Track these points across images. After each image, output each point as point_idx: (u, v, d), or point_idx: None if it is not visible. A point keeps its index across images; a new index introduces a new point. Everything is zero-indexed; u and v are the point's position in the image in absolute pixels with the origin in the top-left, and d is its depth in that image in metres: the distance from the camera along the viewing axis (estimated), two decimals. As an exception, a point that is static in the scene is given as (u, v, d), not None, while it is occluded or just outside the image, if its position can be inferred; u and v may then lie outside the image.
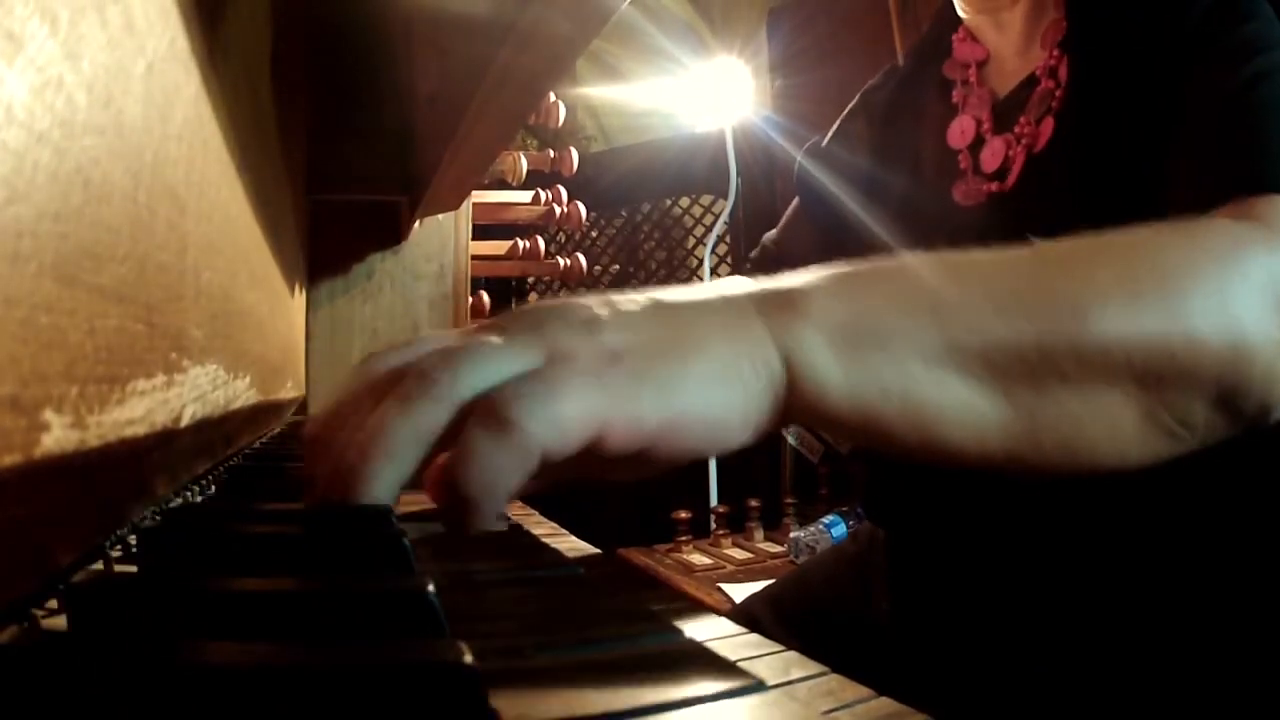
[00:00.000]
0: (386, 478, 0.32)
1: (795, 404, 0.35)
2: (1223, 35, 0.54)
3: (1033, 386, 0.35)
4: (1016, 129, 0.67)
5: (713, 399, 0.34)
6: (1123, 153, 0.57)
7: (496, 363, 0.33)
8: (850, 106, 0.87)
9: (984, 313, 0.35)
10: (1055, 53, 0.66)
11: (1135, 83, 0.58)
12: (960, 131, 0.72)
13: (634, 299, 0.37)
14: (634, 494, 2.22)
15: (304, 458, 0.39)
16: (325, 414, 0.38)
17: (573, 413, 0.31)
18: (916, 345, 0.35)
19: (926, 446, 0.36)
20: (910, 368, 0.35)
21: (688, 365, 0.34)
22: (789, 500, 1.91)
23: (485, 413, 0.31)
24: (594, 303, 0.36)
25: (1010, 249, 0.39)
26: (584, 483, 0.40)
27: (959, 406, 0.35)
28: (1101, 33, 0.62)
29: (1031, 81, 0.68)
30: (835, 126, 0.87)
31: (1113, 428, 0.36)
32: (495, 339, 0.34)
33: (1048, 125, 0.65)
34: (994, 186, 0.67)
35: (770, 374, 0.35)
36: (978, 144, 0.70)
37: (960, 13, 0.74)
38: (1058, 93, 0.65)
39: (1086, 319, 0.35)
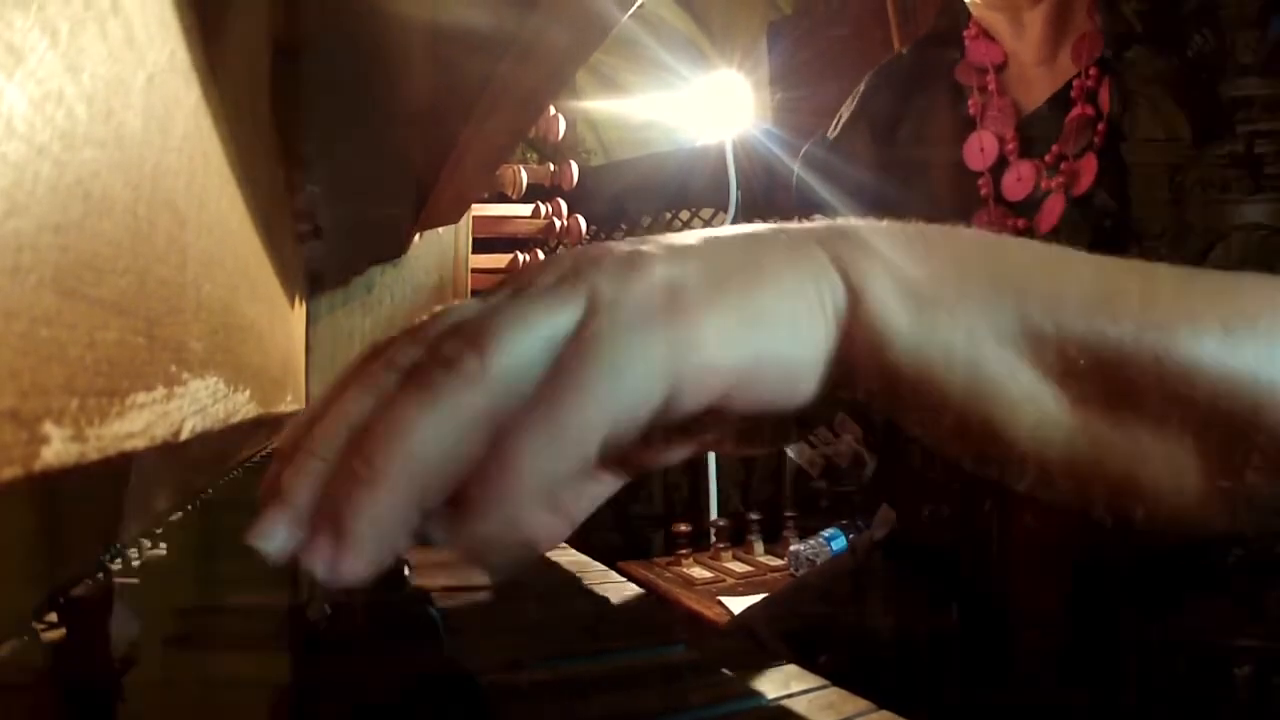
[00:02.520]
0: (400, 497, 0.24)
1: (853, 351, 0.30)
2: None
3: (1105, 401, 0.31)
4: (1047, 158, 0.61)
5: (783, 335, 0.29)
6: (1179, 201, 0.52)
7: (533, 325, 0.27)
8: (851, 111, 0.80)
9: (1068, 305, 0.31)
10: (1093, 72, 0.59)
11: (1197, 120, 0.52)
12: (980, 150, 0.65)
13: (676, 234, 0.31)
14: (632, 502, 2.22)
15: (270, 476, 0.26)
16: (309, 415, 0.27)
17: (637, 378, 0.26)
18: (991, 317, 0.31)
19: (982, 432, 0.31)
20: (981, 340, 0.30)
21: (753, 295, 0.29)
22: (789, 514, 1.91)
23: (530, 402, 0.25)
24: (633, 240, 0.31)
25: (1103, 256, 0.34)
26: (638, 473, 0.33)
27: (1025, 398, 0.31)
28: (1150, 55, 0.55)
29: (1063, 100, 0.61)
30: (836, 133, 0.81)
31: (1178, 478, 0.32)
32: (524, 297, 0.28)
33: (1090, 164, 0.58)
34: (1021, 223, 0.61)
35: (836, 307, 0.30)
36: (999, 165, 0.64)
37: (969, 4, 0.67)
38: (1100, 126, 0.58)
39: (1175, 338, 0.31)
